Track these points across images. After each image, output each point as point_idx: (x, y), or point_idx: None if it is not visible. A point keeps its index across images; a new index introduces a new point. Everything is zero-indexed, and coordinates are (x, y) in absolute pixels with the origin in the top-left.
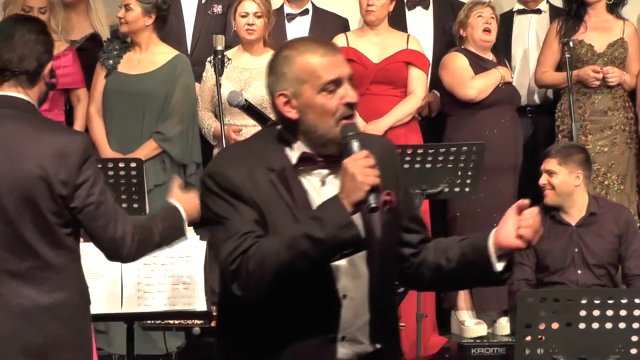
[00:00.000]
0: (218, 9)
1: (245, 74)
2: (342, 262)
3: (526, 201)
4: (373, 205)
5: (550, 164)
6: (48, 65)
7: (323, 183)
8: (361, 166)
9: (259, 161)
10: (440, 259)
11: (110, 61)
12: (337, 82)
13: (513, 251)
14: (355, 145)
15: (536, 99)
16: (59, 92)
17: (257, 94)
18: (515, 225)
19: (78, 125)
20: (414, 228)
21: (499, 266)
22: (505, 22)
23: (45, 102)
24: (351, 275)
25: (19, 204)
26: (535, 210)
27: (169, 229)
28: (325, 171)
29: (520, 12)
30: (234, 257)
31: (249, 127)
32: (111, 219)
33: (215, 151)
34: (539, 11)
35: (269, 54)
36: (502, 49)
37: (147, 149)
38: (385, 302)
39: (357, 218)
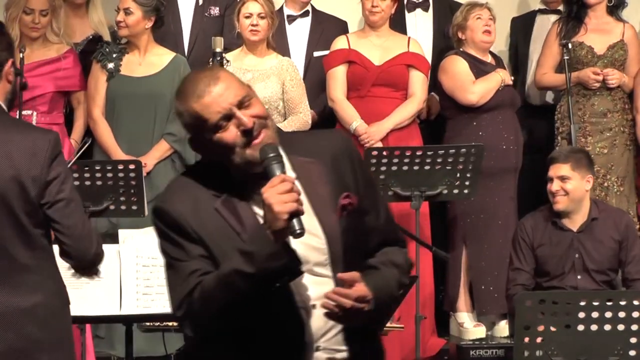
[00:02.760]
0: (215, 10)
1: (248, 75)
2: (305, 276)
3: (343, 275)
4: (297, 232)
5: (563, 169)
6: (7, 63)
7: None
8: (277, 194)
9: (204, 189)
10: None
11: (112, 64)
12: (226, 117)
13: None
14: (273, 168)
15: (550, 98)
16: (58, 94)
17: (260, 95)
18: None
19: (78, 127)
20: (372, 228)
21: None
22: (528, 21)
23: (18, 102)
24: (317, 284)
25: None
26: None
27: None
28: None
29: (542, 11)
30: (179, 301)
31: None
32: (80, 217)
33: None
34: (558, 12)
35: (272, 55)
36: (523, 49)
37: (160, 151)
38: None
39: (316, 227)
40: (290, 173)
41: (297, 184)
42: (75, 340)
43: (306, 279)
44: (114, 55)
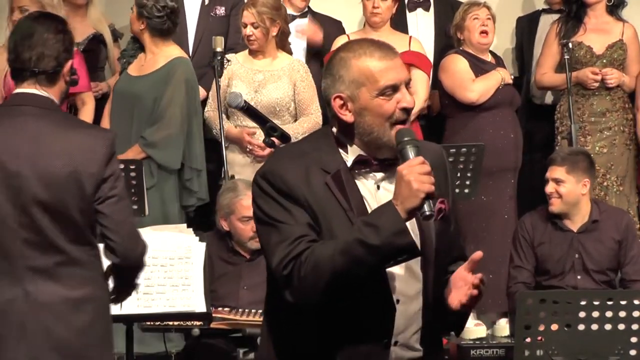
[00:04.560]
0: (221, 10)
1: (259, 75)
2: (397, 268)
3: (479, 255)
4: (427, 213)
5: (558, 172)
6: (67, 63)
7: (378, 187)
8: (417, 173)
9: (314, 162)
10: None
11: (124, 60)
12: (394, 87)
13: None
14: (411, 151)
15: (543, 99)
16: None
17: (272, 96)
18: (462, 285)
19: None
20: (453, 243)
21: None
22: (533, 21)
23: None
24: (406, 280)
25: (46, 203)
26: (477, 279)
27: None
28: (380, 174)
29: (545, 11)
30: (286, 262)
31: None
32: (129, 215)
33: (225, 152)
34: (561, 11)
35: (282, 57)
36: (528, 49)
37: (132, 153)
38: (437, 309)
39: (413, 225)
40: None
41: None
42: None
43: (396, 275)
44: (131, 53)
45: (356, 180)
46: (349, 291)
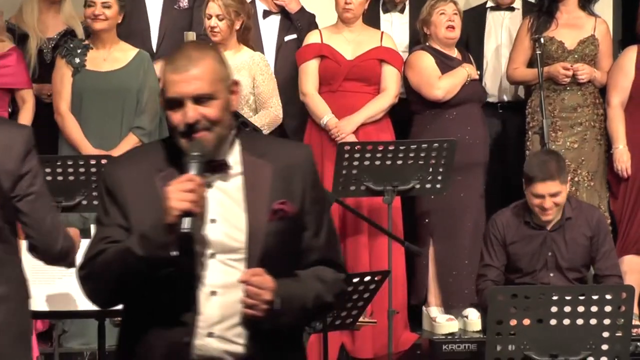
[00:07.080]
0: (184, 3)
1: None
2: (217, 261)
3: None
4: (184, 230)
5: (554, 186)
6: None
7: (209, 186)
8: (177, 190)
9: (152, 162)
10: None
11: (77, 59)
12: (179, 102)
13: None
14: (191, 167)
15: (507, 95)
16: (2, 92)
17: None
18: None
19: None
20: (309, 246)
21: None
22: (478, 17)
23: None
24: (225, 274)
25: None
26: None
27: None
28: (210, 174)
29: (493, 8)
30: (84, 262)
31: None
32: (48, 212)
33: None
34: (512, 8)
35: (242, 50)
36: (474, 45)
37: (129, 144)
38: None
39: (241, 220)
40: (237, 168)
41: (240, 180)
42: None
43: (216, 266)
44: (79, 51)
45: None
46: (155, 281)
